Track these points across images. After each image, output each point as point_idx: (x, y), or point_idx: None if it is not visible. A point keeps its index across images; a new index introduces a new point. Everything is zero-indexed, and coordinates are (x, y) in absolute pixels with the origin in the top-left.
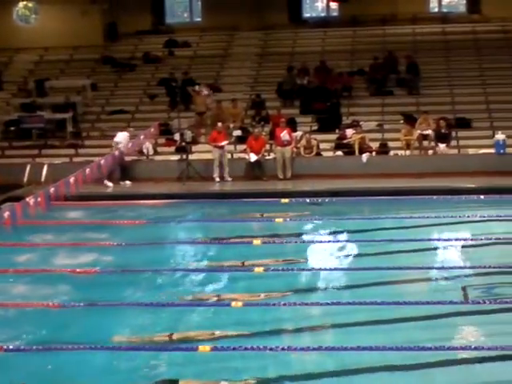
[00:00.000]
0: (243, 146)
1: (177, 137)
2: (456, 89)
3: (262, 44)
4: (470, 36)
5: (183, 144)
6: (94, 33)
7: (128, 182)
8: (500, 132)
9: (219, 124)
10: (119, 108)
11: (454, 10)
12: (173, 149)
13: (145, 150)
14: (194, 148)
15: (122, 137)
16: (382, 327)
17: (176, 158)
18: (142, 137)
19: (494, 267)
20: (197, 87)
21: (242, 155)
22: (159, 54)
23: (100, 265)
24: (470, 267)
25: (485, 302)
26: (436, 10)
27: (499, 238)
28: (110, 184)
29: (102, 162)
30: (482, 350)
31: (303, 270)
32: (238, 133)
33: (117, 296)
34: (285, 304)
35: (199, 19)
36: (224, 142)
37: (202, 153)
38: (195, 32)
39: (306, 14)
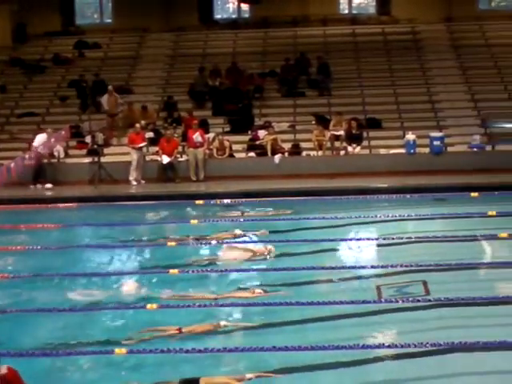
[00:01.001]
0: (155, 148)
1: (88, 139)
2: (366, 89)
3: (173, 45)
4: (380, 37)
5: (95, 147)
6: (3, 34)
7: (49, 185)
8: (410, 132)
9: (137, 125)
10: (29, 111)
11: (364, 11)
12: (84, 151)
13: (56, 153)
14: (105, 150)
15: (40, 139)
16: (296, 327)
17: (88, 160)
18: (52, 140)
19: (406, 266)
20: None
21: (154, 157)
22: (69, 56)
23: (12, 270)
24: (382, 266)
25: (397, 301)
26: (346, 11)
27: (411, 238)
28: (48, 186)
29: (12, 165)
30: (395, 348)
31: (219, 271)
32: (150, 135)
33: (28, 301)
34: (200, 305)
35: (110, 20)
36: (142, 144)
37: (114, 155)
38: (106, 33)
39: (217, 16)
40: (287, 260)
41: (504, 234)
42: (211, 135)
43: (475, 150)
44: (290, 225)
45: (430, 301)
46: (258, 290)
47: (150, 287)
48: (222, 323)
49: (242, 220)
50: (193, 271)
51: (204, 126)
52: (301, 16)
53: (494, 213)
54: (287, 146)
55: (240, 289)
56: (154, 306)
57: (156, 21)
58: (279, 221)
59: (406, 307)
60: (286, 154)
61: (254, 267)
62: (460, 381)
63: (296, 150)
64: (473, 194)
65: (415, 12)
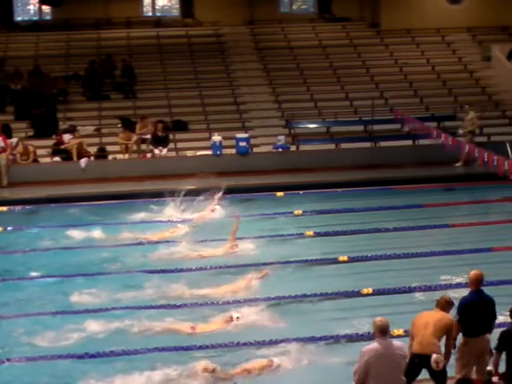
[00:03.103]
0: None
1: None
2: (172, 92)
3: None
4: (184, 40)
5: None
6: None
7: None
8: (216, 134)
9: None
10: None
11: (168, 14)
12: None
13: None
14: None
15: None
16: None
17: None
18: None
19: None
20: None
21: None
22: None
23: None
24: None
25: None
26: (150, 14)
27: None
28: None
29: None
30: None
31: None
32: None
33: None
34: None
35: None
36: None
37: None
38: None
39: (18, 18)
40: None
41: (310, 233)
42: (14, 140)
43: (280, 150)
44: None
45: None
46: None
47: None
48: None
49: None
50: None
51: (6, 131)
52: (104, 18)
53: (300, 211)
54: (93, 149)
55: None
56: None
57: None
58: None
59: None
60: (92, 158)
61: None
62: None
63: (102, 154)
64: (278, 194)
65: (219, 15)
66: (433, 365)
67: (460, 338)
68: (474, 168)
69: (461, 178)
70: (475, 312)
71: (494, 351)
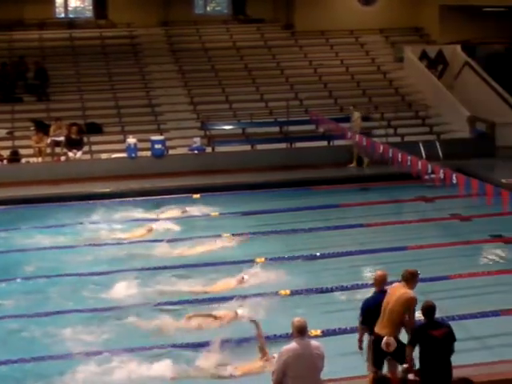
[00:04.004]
0: None
1: None
2: (86, 94)
3: None
4: (98, 41)
5: None
6: None
7: None
8: (131, 136)
9: None
10: None
11: (81, 15)
12: None
13: None
14: None
15: None
16: None
17: None
18: None
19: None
20: None
21: None
22: None
23: None
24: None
25: None
26: (63, 15)
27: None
28: None
29: None
30: None
31: None
32: None
33: None
34: None
35: None
36: None
37: None
38: None
39: None
40: None
41: (227, 234)
42: None
43: (196, 152)
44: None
45: None
46: None
47: None
48: None
49: None
50: None
51: None
52: (16, 20)
53: (217, 213)
54: (6, 153)
55: None
56: None
57: None
58: None
59: None
60: (5, 162)
61: None
62: None
63: (15, 157)
64: (195, 196)
65: (133, 16)
66: (383, 346)
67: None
68: (389, 168)
69: (376, 178)
70: (379, 312)
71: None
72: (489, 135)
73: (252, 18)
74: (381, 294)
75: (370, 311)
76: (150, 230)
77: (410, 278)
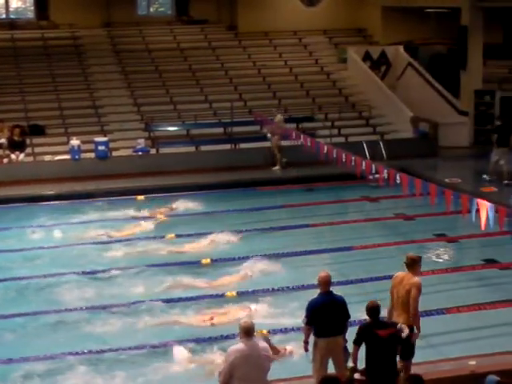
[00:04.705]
0: None
1: None
2: (28, 96)
3: None
4: (40, 42)
5: None
6: None
7: None
8: (75, 138)
9: None
10: None
11: (23, 16)
12: None
13: None
14: None
15: None
16: None
17: None
18: None
19: None
20: None
21: None
22: None
23: None
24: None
25: None
26: (4, 16)
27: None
28: None
29: None
30: None
31: None
32: None
33: None
34: None
35: None
36: None
37: None
38: None
39: None
40: None
41: (171, 235)
42: None
43: (140, 153)
44: None
45: None
46: None
47: None
48: None
49: None
50: None
51: None
52: None
53: (162, 216)
54: None
55: None
56: None
57: None
58: None
59: None
60: None
61: None
62: None
63: None
64: (139, 197)
65: (75, 17)
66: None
67: (312, 339)
68: (334, 168)
69: (321, 179)
70: (325, 313)
71: (349, 347)
72: (431, 135)
73: (195, 19)
74: (326, 295)
75: (316, 312)
76: (102, 234)
77: (411, 264)
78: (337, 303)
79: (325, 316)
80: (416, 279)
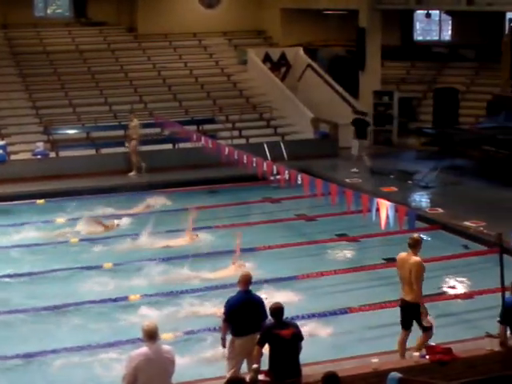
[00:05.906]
0: None
1: None
2: None
3: None
4: None
5: None
6: None
7: None
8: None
9: None
10: None
11: None
12: None
13: None
14: None
15: None
16: None
17: None
18: None
19: None
20: None
21: None
22: None
23: None
24: None
25: None
26: None
27: None
28: None
29: None
30: None
31: None
32: None
33: None
34: None
35: None
36: None
37: None
38: None
39: None
40: None
41: (75, 240)
42: None
43: (39, 157)
44: None
45: None
46: None
47: None
48: None
49: None
50: None
51: None
52: None
53: (63, 220)
54: None
55: None
56: None
57: None
58: None
59: None
60: None
61: None
62: None
63: None
64: (39, 202)
65: None
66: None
67: (229, 337)
68: (235, 170)
69: (223, 181)
70: (242, 312)
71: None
72: (332, 136)
73: (94, 21)
74: (245, 293)
75: (234, 310)
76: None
77: (414, 244)
78: (254, 302)
79: (242, 314)
80: (415, 259)
